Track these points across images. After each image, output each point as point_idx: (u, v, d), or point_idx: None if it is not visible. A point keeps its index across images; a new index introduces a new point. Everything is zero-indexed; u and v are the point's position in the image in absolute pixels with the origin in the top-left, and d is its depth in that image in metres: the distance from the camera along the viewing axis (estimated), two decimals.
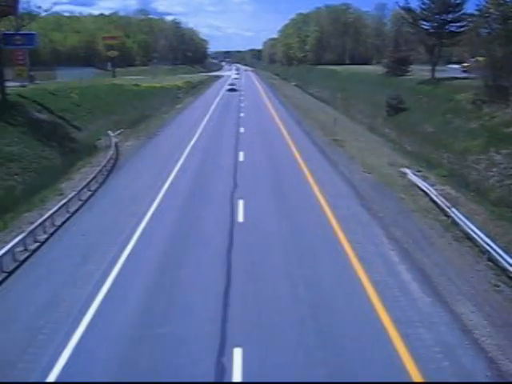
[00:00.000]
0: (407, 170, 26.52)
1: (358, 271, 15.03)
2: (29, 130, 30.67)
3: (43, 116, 35.40)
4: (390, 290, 13.87)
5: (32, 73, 51.72)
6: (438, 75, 47.67)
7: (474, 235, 17.01)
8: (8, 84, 36.93)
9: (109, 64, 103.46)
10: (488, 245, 15.87)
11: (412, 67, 57.86)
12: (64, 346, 11.29)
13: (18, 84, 43.94)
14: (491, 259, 15.63)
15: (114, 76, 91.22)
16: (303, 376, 10.28)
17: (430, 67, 49.06)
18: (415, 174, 25.72)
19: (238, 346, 11.20)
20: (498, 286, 14.28)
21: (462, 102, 34.52)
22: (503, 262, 14.84)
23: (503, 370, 10.47)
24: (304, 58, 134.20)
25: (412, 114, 40.36)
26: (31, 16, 44.54)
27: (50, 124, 34.88)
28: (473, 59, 51.15)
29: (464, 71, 54.02)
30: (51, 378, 10.21)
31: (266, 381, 10.11)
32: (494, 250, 15.44)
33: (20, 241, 16.43)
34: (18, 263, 15.80)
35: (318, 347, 11.23)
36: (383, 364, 10.68)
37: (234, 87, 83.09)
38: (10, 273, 15.17)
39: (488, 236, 16.48)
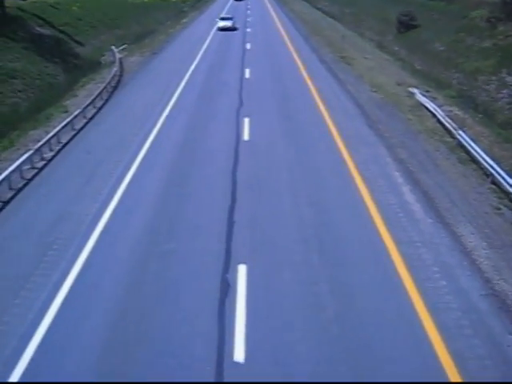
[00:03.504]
0: (415, 90, 26.07)
1: (362, 191, 15.17)
2: (31, 46, 30.10)
3: (45, 31, 34.59)
4: (393, 211, 14.04)
5: None
6: None
7: (479, 158, 16.98)
8: None
9: None
10: (492, 167, 15.88)
11: None
12: (74, 261, 11.61)
13: None
14: (495, 182, 15.70)
15: None
16: (306, 292, 10.56)
17: None
18: (423, 95, 25.30)
19: (242, 262, 11.50)
20: (500, 209, 14.44)
21: (477, 20, 33.39)
22: (506, 185, 14.91)
23: (497, 290, 10.77)
24: None
25: (423, 31, 39.14)
26: None
27: (53, 39, 34.16)
28: None
29: None
30: (63, 291, 10.55)
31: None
32: (498, 173, 15.47)
33: (27, 159, 16.56)
34: (25, 181, 16.01)
35: (321, 265, 11.53)
36: (382, 281, 10.97)
37: None
38: (19, 190, 15.39)
39: (493, 159, 16.45)
